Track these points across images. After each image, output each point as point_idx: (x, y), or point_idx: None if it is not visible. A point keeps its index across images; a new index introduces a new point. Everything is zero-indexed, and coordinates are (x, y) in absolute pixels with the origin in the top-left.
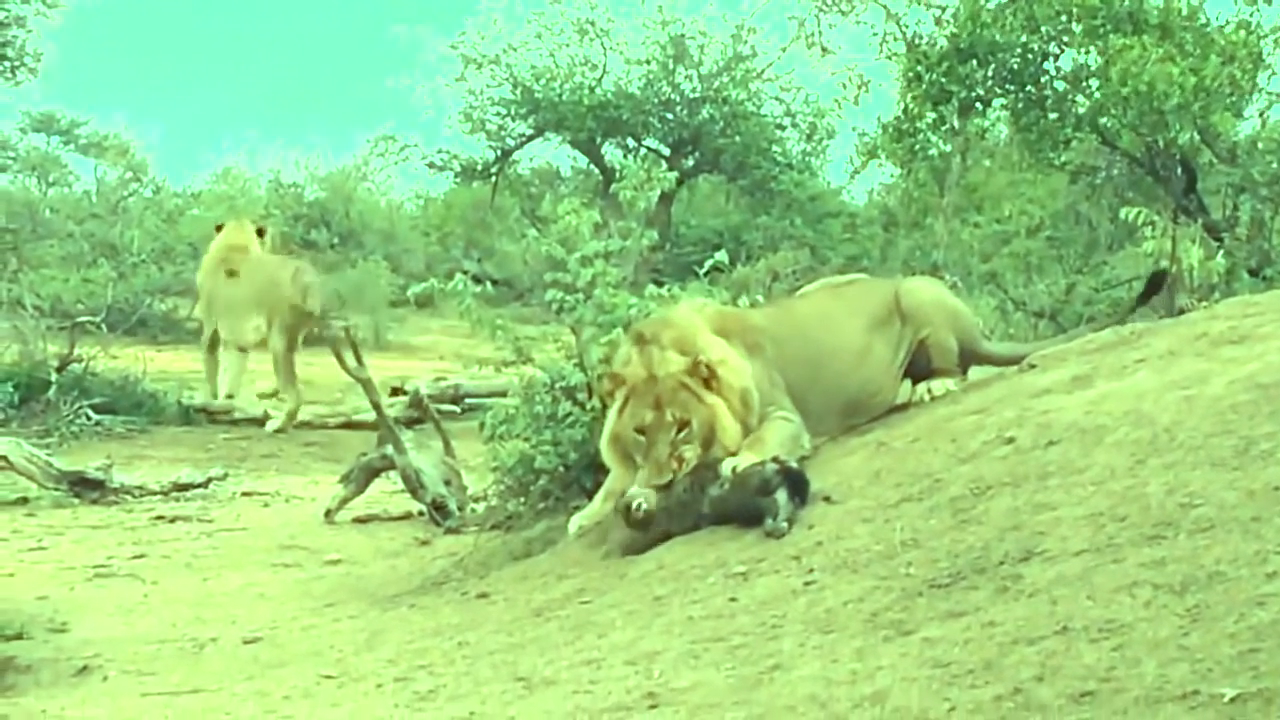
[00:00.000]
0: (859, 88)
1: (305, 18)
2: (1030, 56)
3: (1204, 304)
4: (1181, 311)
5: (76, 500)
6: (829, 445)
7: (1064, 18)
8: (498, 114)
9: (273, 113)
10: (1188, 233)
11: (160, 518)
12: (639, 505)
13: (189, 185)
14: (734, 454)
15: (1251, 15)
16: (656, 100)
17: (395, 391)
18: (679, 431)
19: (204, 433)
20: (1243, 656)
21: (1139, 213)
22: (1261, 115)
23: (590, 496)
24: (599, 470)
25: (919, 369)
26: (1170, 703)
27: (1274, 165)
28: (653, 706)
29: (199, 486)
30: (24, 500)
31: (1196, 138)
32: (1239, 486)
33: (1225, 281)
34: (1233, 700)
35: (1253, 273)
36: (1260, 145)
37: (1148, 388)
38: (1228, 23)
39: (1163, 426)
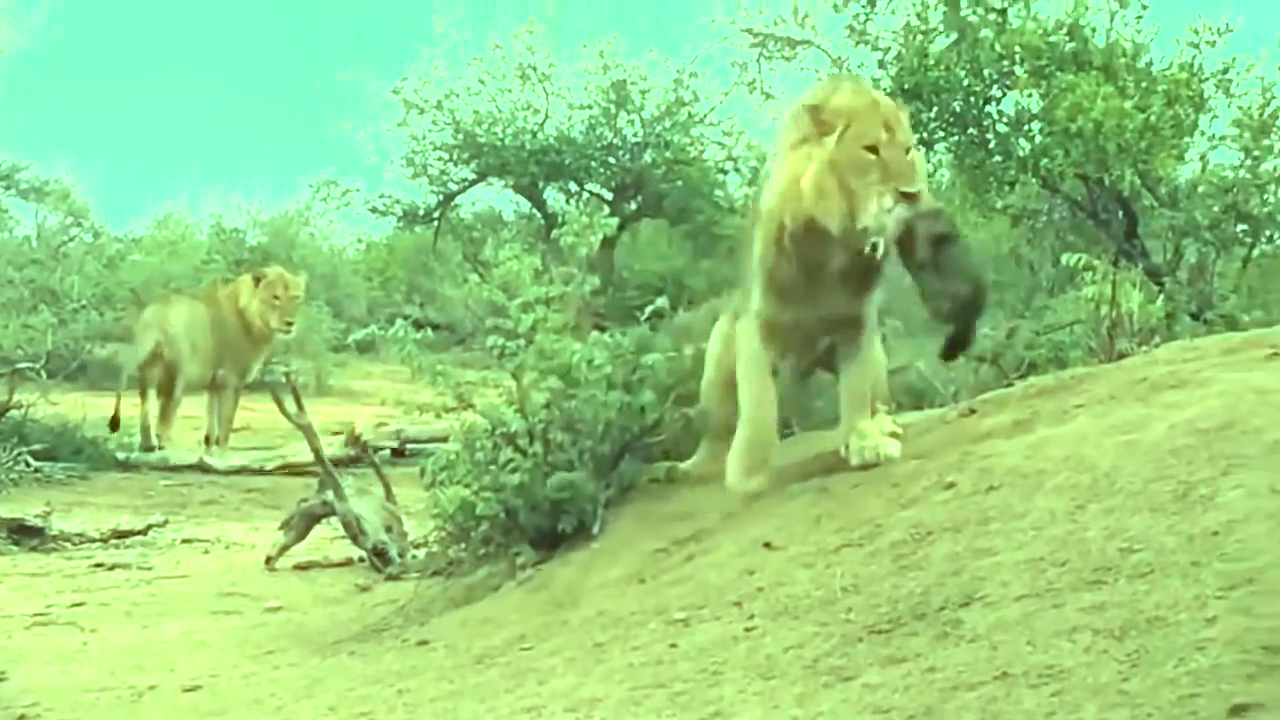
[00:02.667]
0: None
1: (247, 63)
2: (973, 99)
3: (1144, 348)
4: (1122, 356)
5: (15, 547)
6: (770, 491)
7: (1007, 60)
8: (440, 159)
9: (215, 158)
10: (1129, 277)
11: (100, 565)
12: None
13: (130, 230)
14: None
15: (1194, 58)
16: (598, 145)
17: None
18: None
19: (143, 479)
20: (1182, 701)
21: (1079, 258)
22: (1203, 158)
23: (532, 542)
24: (541, 514)
25: None
26: None
27: (1216, 209)
28: None
29: (138, 533)
30: None
31: (1137, 181)
32: (1178, 531)
33: (1166, 325)
34: None
35: (1194, 316)
36: (1201, 189)
37: (1088, 433)
38: (1171, 65)
39: (1103, 471)
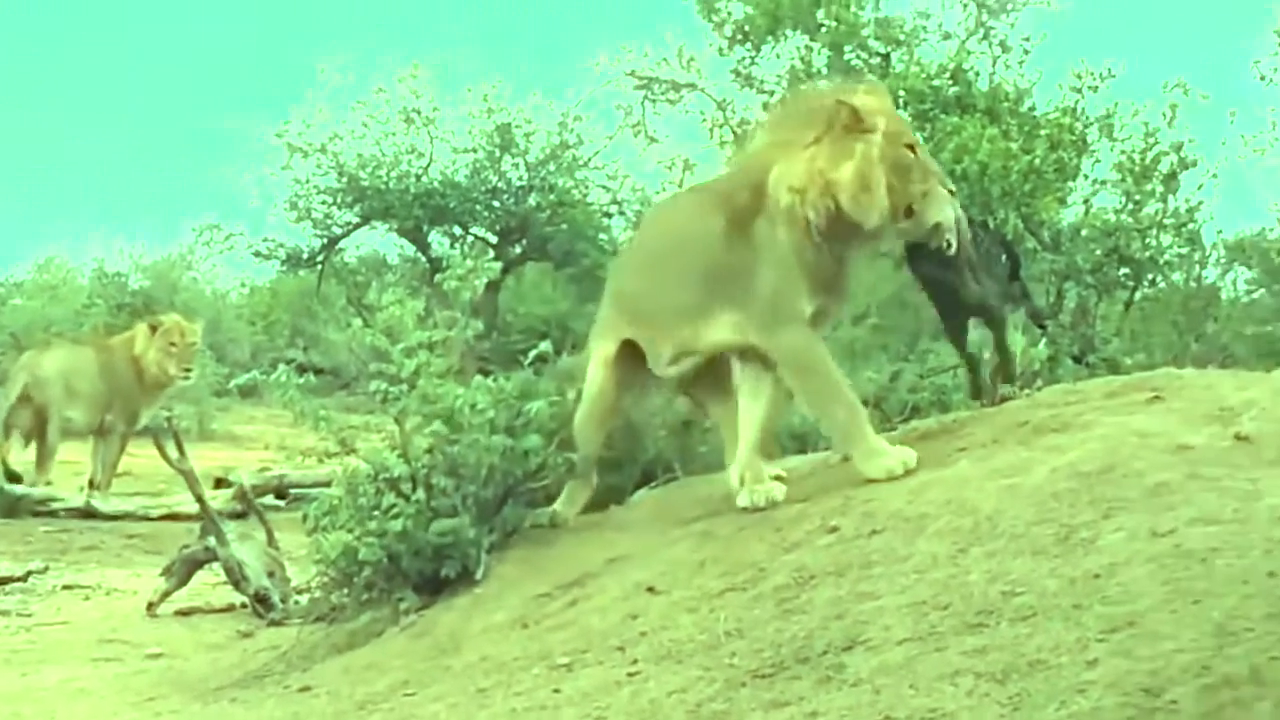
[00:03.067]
0: (684, 172)
1: (130, 106)
2: None
3: (1026, 392)
4: (1004, 400)
5: None
6: (654, 536)
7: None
8: (324, 202)
9: (97, 202)
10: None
11: None
12: None
13: (10, 275)
14: None
15: (1077, 102)
16: (483, 189)
17: (219, 483)
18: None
19: (24, 525)
20: None
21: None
22: (1086, 202)
23: (415, 588)
24: (424, 560)
25: None
26: None
27: (1098, 252)
28: None
29: (18, 580)
30: None
31: (1020, 224)
32: (1060, 574)
33: (1048, 369)
34: None
35: (1076, 359)
36: (1084, 232)
37: (970, 476)
38: (1054, 109)
39: (985, 515)
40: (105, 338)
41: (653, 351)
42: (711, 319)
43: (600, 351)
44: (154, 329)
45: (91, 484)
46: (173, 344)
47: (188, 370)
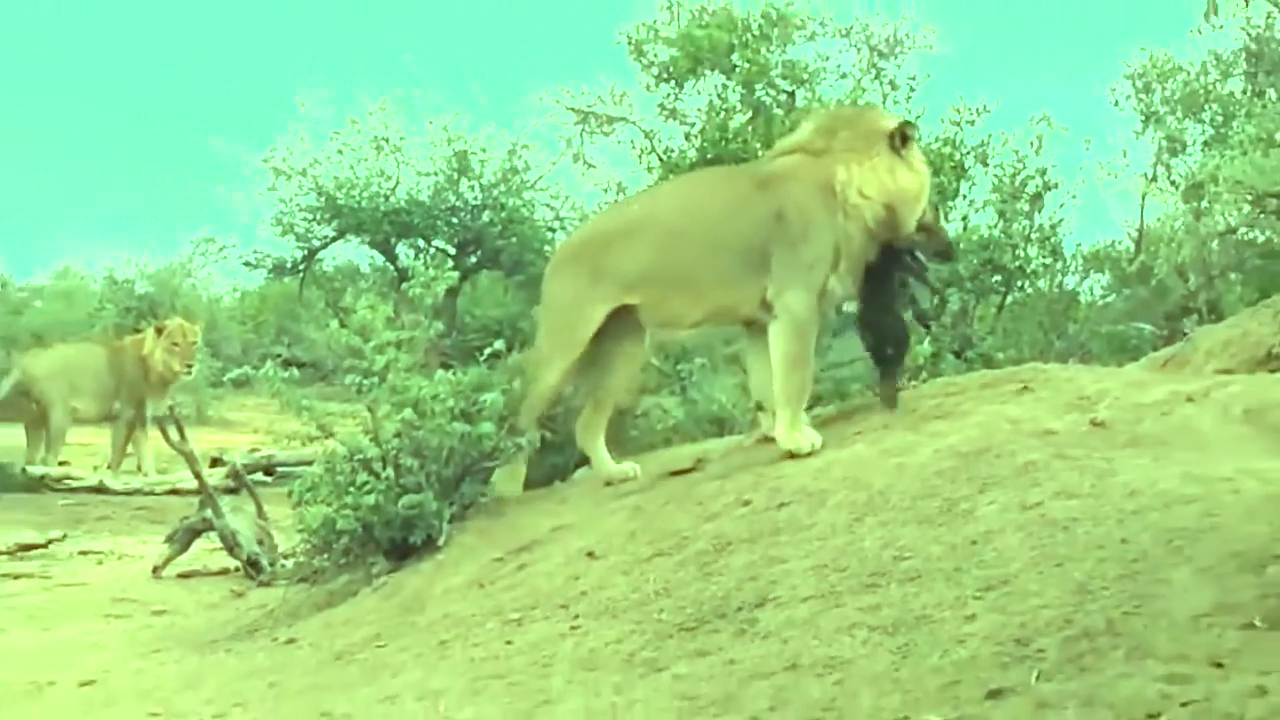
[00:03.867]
0: (618, 193)
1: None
2: None
3: (913, 384)
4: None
5: None
6: (592, 508)
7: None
8: (305, 219)
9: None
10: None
11: (5, 575)
12: None
13: (31, 281)
14: None
15: (956, 134)
16: (443, 207)
17: (215, 462)
18: None
19: (44, 499)
20: (946, 688)
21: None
22: (964, 219)
23: (386, 554)
24: (393, 529)
25: None
26: None
27: (975, 262)
28: None
29: (40, 547)
30: None
31: None
32: (942, 541)
33: (932, 364)
34: None
35: (956, 355)
36: (963, 245)
37: (865, 456)
38: (936, 139)
39: (877, 490)
40: (116, 338)
41: (666, 314)
42: (748, 286)
43: (591, 312)
44: (160, 331)
45: (118, 463)
46: (176, 343)
47: (190, 366)
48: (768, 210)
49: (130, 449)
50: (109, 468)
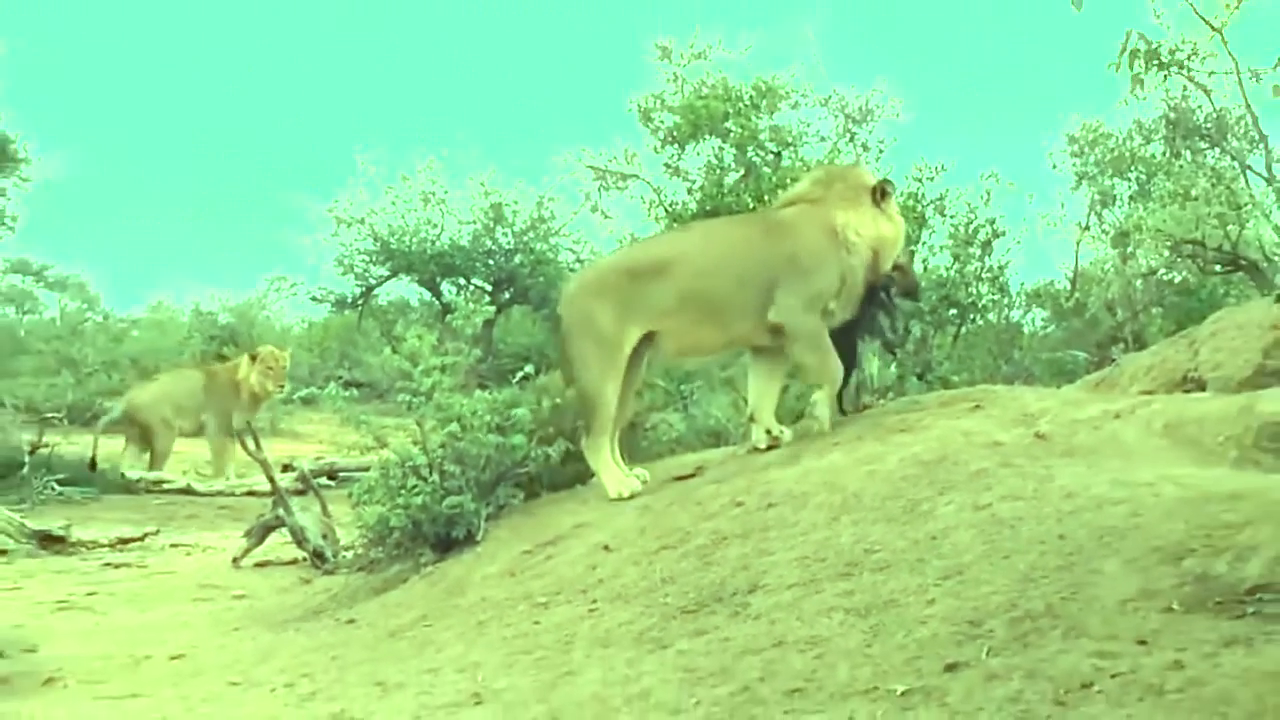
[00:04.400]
0: (631, 241)
1: (218, 188)
2: None
3: (882, 402)
4: (865, 408)
5: (44, 552)
6: (608, 508)
7: (780, 189)
8: (363, 261)
9: (195, 259)
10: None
11: (108, 564)
12: None
13: (130, 313)
14: None
15: (918, 189)
16: (481, 250)
17: (286, 468)
18: None
19: (140, 500)
20: (910, 662)
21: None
22: (924, 262)
23: (432, 547)
24: (438, 526)
25: None
26: (857, 696)
27: (934, 298)
28: (477, 703)
29: (137, 540)
30: (3, 552)
31: None
32: (907, 536)
33: (898, 385)
34: (904, 694)
35: (919, 377)
36: (924, 284)
37: (841, 464)
38: (901, 194)
39: (852, 492)
40: (210, 365)
41: (691, 341)
42: (760, 315)
43: (625, 337)
44: (254, 358)
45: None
46: (270, 367)
47: (282, 386)
48: (781, 251)
49: (213, 457)
50: (215, 475)
